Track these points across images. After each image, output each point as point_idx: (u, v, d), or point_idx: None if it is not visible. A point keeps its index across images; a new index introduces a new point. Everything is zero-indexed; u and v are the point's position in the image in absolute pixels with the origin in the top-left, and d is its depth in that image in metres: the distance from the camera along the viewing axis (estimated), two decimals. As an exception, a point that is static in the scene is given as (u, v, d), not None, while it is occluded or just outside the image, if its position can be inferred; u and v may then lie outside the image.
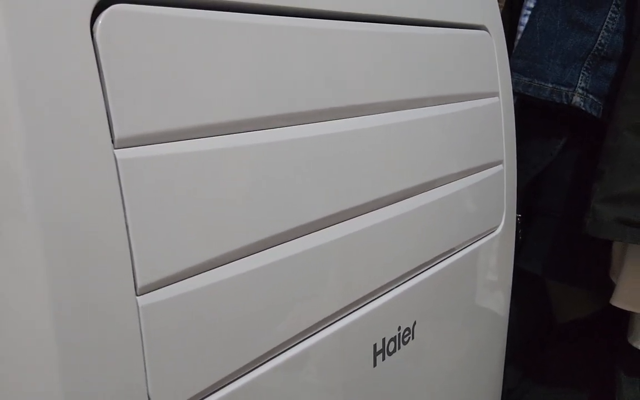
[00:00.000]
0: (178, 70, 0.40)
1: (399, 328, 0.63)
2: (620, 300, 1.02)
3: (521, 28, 1.11)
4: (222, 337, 0.44)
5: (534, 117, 1.10)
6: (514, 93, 0.90)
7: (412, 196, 0.63)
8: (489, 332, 0.87)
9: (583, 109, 1.03)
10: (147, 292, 0.39)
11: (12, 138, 0.33)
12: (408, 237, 0.63)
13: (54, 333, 0.35)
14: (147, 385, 0.40)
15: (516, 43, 1.10)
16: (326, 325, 0.54)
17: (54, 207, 0.34)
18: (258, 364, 0.48)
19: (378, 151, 0.58)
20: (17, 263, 0.34)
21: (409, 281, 0.64)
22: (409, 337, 0.65)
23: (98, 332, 0.37)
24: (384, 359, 0.62)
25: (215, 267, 0.43)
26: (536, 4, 1.08)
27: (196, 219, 0.41)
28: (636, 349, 1.05)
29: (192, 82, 0.41)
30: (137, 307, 0.38)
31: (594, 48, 1.02)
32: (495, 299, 0.86)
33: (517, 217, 0.89)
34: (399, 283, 0.63)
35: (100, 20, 0.36)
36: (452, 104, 0.70)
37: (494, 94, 0.78)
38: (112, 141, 0.37)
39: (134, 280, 0.38)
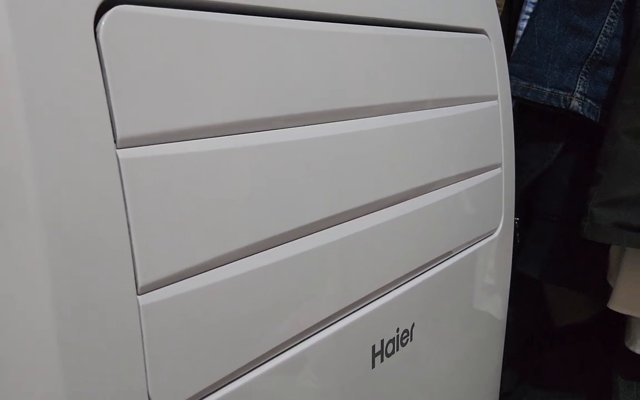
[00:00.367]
0: (180, 71, 0.40)
1: (398, 330, 0.64)
2: (618, 304, 1.03)
3: (520, 32, 1.11)
4: (222, 337, 0.44)
5: (532, 121, 1.10)
6: (513, 97, 0.91)
7: (411, 198, 0.64)
8: (487, 335, 0.88)
9: (581, 113, 1.04)
10: (147, 292, 0.39)
11: (16, 138, 0.33)
12: (407, 239, 0.63)
13: (56, 332, 0.35)
14: (147, 385, 0.40)
15: (515, 47, 1.11)
16: (325, 326, 0.54)
17: (56, 207, 0.34)
18: (257, 365, 0.48)
19: (377, 153, 0.58)
20: (19, 262, 0.35)
21: (408, 283, 0.64)
22: (408, 339, 0.65)
23: (99, 332, 0.37)
24: (382, 360, 0.62)
25: (216, 267, 0.43)
26: (535, 9, 1.08)
27: (197, 219, 0.42)
28: (633, 353, 1.05)
29: (194, 83, 0.41)
30: (138, 306, 0.39)
31: (592, 53, 1.03)
32: (493, 301, 0.86)
33: (515, 220, 0.90)
34: (398, 285, 0.63)
35: (103, 21, 0.36)
36: (451, 107, 0.70)
37: (493, 98, 0.79)
38: (115, 141, 0.37)
39: (135, 280, 0.38)
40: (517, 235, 1.01)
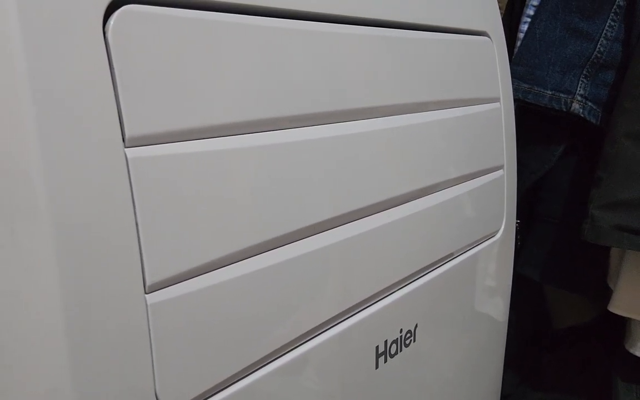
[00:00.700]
0: (188, 71, 0.41)
1: (401, 330, 0.64)
2: (618, 306, 1.03)
3: (521, 35, 1.11)
4: (228, 336, 0.44)
5: (533, 123, 1.10)
6: (514, 99, 0.91)
7: (414, 200, 0.64)
8: (489, 336, 0.88)
9: (582, 115, 1.04)
10: (155, 290, 0.39)
11: (25, 137, 0.33)
12: (410, 240, 0.63)
13: (64, 331, 0.35)
14: (154, 384, 0.40)
15: (516, 50, 1.11)
16: (330, 326, 0.54)
17: (65, 206, 0.35)
18: (262, 364, 0.48)
19: (381, 155, 0.58)
20: (28, 260, 0.35)
21: (411, 284, 0.65)
22: (411, 340, 0.65)
23: (107, 330, 0.37)
24: (385, 361, 0.62)
25: (223, 267, 0.43)
26: (536, 12, 1.08)
27: (204, 218, 0.42)
28: (633, 355, 1.06)
29: (202, 82, 0.41)
30: (146, 305, 0.39)
31: (593, 56, 1.03)
32: (495, 303, 0.86)
33: (515, 222, 0.90)
34: (401, 285, 0.63)
35: (112, 21, 0.37)
36: (453, 108, 0.70)
37: (495, 100, 0.79)
38: (123, 140, 0.37)
39: (143, 278, 0.38)
40: (518, 237, 1.01)
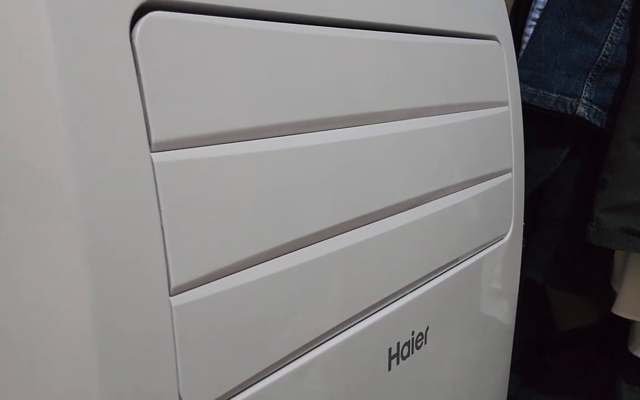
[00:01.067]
0: (212, 76, 0.41)
1: (413, 333, 0.64)
2: (622, 308, 1.04)
3: (526, 38, 1.12)
4: (248, 338, 0.45)
5: (538, 126, 1.11)
6: (519, 102, 0.92)
7: (425, 203, 0.64)
8: (498, 338, 0.88)
9: (587, 119, 1.04)
10: (180, 293, 0.40)
11: (54, 140, 0.34)
12: (421, 243, 0.64)
13: (92, 332, 0.35)
14: (178, 385, 0.40)
15: (521, 53, 1.11)
16: (346, 328, 0.55)
17: (93, 209, 0.35)
18: (281, 366, 0.49)
19: (393, 159, 0.59)
20: (57, 263, 0.35)
21: (422, 287, 0.65)
22: (422, 342, 0.66)
23: (133, 332, 0.37)
24: (398, 363, 0.62)
25: (245, 269, 0.44)
26: (541, 15, 1.09)
27: (228, 221, 0.42)
28: (637, 358, 1.06)
29: (225, 88, 0.42)
30: (171, 307, 0.39)
31: (598, 59, 1.04)
32: (503, 305, 0.87)
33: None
34: (413, 288, 0.64)
35: (139, 27, 0.37)
36: (463, 112, 0.71)
37: (504, 103, 0.80)
38: (149, 145, 0.38)
39: (168, 281, 0.39)
40: (522, 240, 1.02)
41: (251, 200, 0.44)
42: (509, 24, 0.81)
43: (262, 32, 0.45)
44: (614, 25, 1.03)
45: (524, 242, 1.01)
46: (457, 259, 0.72)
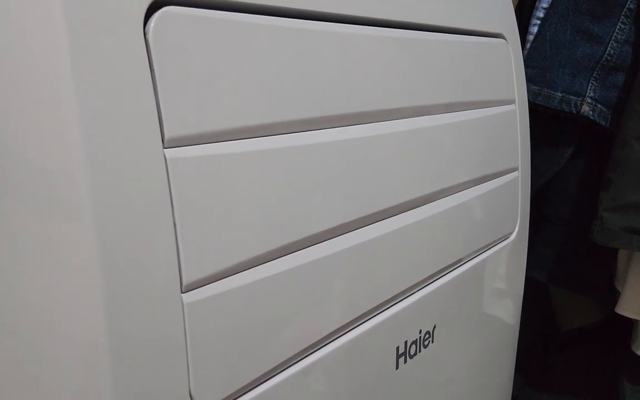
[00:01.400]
0: (225, 72, 0.41)
1: (420, 331, 0.64)
2: (625, 308, 1.03)
3: (531, 37, 1.12)
4: (259, 335, 0.45)
5: (542, 125, 1.10)
6: (524, 101, 0.91)
7: (431, 201, 0.64)
8: (503, 337, 0.88)
9: (592, 118, 1.04)
10: (191, 290, 0.39)
11: (67, 137, 0.34)
12: (429, 241, 0.64)
13: (104, 330, 0.35)
14: (189, 383, 0.40)
15: (525, 51, 1.11)
16: (354, 326, 0.55)
17: (106, 206, 0.35)
18: (290, 364, 0.48)
19: (402, 157, 0.59)
20: (69, 259, 0.35)
21: (430, 285, 0.65)
22: (429, 341, 0.66)
23: (144, 329, 0.37)
24: (405, 361, 0.62)
25: (257, 266, 0.44)
26: (546, 14, 1.09)
27: (240, 217, 0.42)
28: (639, 357, 1.06)
29: (238, 84, 0.42)
30: (182, 304, 0.39)
31: (603, 58, 1.04)
32: (509, 304, 0.87)
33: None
34: (420, 287, 0.63)
35: (152, 22, 0.37)
36: (470, 110, 0.71)
37: (511, 102, 0.79)
38: (162, 141, 0.37)
39: (180, 278, 0.39)
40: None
41: (262, 197, 0.44)
42: (515, 22, 0.80)
43: (274, 27, 0.45)
44: (619, 24, 1.02)
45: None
46: (463, 258, 0.71)
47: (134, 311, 0.37)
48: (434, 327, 0.66)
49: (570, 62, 1.05)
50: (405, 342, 0.62)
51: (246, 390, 0.45)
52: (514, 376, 0.98)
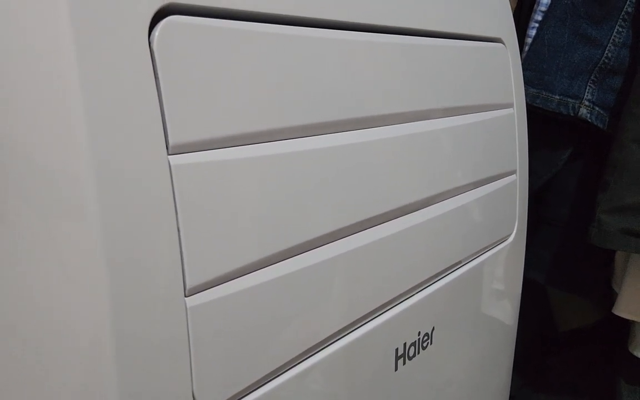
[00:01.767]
0: (229, 79, 0.41)
1: (419, 333, 0.65)
2: (622, 309, 1.04)
3: (529, 40, 1.12)
4: (261, 338, 0.45)
5: (540, 128, 1.11)
6: (522, 104, 0.92)
7: (430, 205, 0.65)
8: (501, 338, 0.89)
9: (589, 120, 1.05)
10: (195, 294, 0.40)
11: (73, 143, 0.34)
12: (427, 244, 0.64)
13: (107, 332, 0.36)
14: (192, 385, 0.41)
15: (524, 55, 1.12)
16: (354, 328, 0.55)
17: (110, 211, 0.35)
18: (291, 366, 0.49)
19: (399, 162, 0.59)
20: (74, 262, 0.36)
21: (429, 287, 0.65)
22: (428, 342, 0.66)
23: (148, 332, 0.38)
24: (404, 363, 0.63)
25: (259, 270, 0.44)
26: (544, 17, 1.09)
27: (243, 222, 0.43)
28: (637, 358, 1.07)
29: (242, 91, 0.42)
30: (186, 307, 0.40)
31: (601, 61, 1.04)
32: (507, 305, 0.87)
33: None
34: (419, 289, 0.64)
35: (157, 31, 0.37)
36: (468, 114, 0.71)
37: (509, 105, 0.80)
38: (167, 147, 0.38)
39: (184, 282, 0.39)
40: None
41: (265, 202, 0.44)
42: (514, 26, 0.81)
43: (276, 36, 0.45)
44: (617, 27, 1.03)
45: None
46: (462, 260, 0.72)
47: (138, 313, 0.37)
48: (433, 329, 0.67)
49: (568, 65, 1.06)
50: (404, 344, 0.62)
51: (248, 391, 0.45)
52: (512, 376, 0.99)
